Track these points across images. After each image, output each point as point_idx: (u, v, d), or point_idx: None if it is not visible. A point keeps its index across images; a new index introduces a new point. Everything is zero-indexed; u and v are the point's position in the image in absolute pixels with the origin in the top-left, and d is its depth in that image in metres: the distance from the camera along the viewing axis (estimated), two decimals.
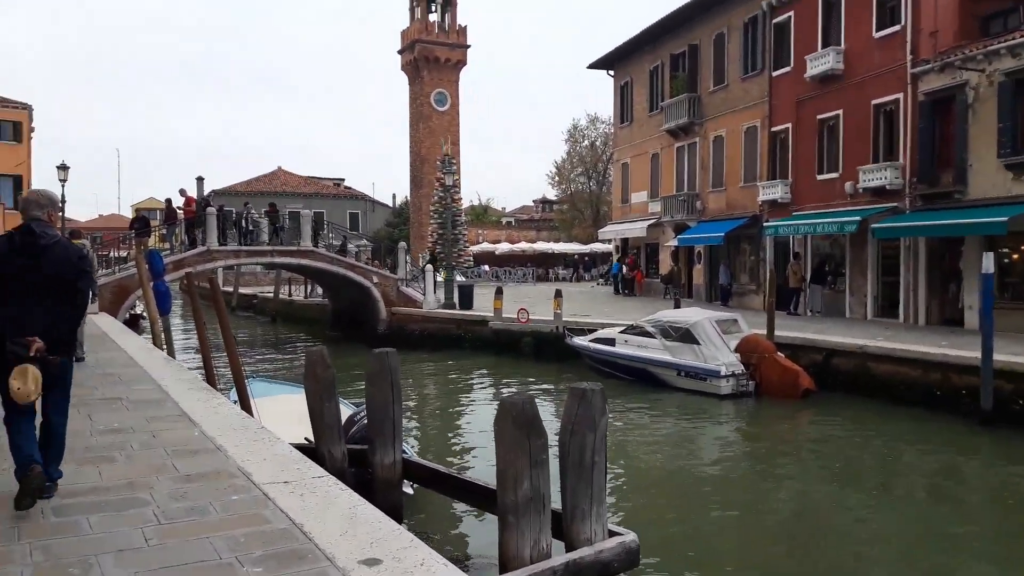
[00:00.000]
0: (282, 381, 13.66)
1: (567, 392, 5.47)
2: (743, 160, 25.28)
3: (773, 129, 23.75)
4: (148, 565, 3.39)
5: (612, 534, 5.26)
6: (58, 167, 27.03)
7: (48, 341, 4.13)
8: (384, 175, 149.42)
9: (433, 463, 7.83)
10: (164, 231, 25.97)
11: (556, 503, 5.37)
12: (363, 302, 26.16)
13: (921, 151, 18.63)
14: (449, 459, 11.23)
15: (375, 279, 25.91)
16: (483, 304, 24.07)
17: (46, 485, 4.28)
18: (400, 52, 52.95)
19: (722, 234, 24.98)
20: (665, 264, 30.21)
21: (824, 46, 21.52)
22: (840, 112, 21.12)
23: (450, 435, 13.42)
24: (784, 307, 20.57)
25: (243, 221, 25.31)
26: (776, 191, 23.13)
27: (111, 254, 24.82)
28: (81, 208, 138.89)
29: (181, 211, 24.89)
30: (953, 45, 18.23)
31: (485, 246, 52.35)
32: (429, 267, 26.93)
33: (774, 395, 14.33)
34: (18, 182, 31.90)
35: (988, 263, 12.41)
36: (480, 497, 6.30)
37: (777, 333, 15.53)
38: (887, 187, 19.18)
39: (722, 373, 14.43)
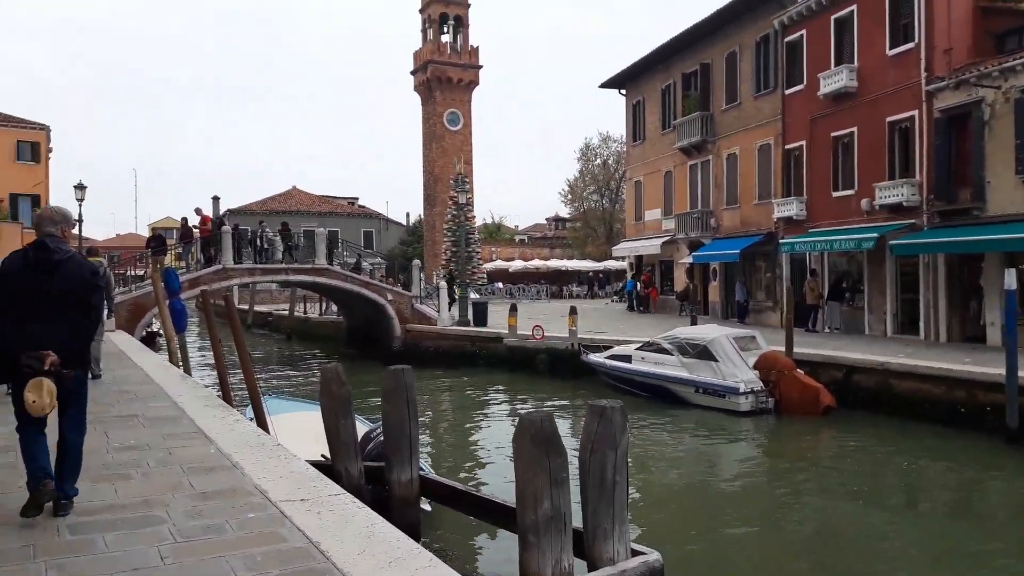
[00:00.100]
0: (298, 398, 13.63)
1: (586, 409, 5.39)
2: (757, 177, 25.19)
3: (787, 147, 23.67)
4: None
5: (635, 553, 5.15)
6: (75, 187, 27.34)
7: (62, 355, 4.14)
8: (398, 194, 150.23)
9: (451, 480, 7.75)
10: (180, 250, 26.15)
11: (577, 521, 5.27)
12: (378, 319, 26.17)
13: (938, 168, 18.49)
14: (465, 475, 11.14)
15: (389, 296, 25.94)
16: (497, 321, 24.02)
17: (62, 503, 4.26)
18: (413, 73, 53.36)
19: (737, 251, 24.85)
20: (680, 281, 30.07)
21: (837, 64, 21.47)
22: (854, 129, 21.03)
23: (466, 451, 13.32)
24: (802, 324, 20.37)
25: (258, 240, 25.45)
26: (791, 208, 23.00)
27: (128, 272, 25.01)
28: (98, 227, 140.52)
29: (197, 230, 25.06)
30: (968, 62, 18.15)
31: (499, 263, 52.35)
32: (443, 283, 26.93)
33: (794, 412, 14.14)
34: (36, 201, 32.26)
35: (1010, 279, 12.27)
36: (499, 515, 6.20)
37: (796, 350, 15.36)
38: (904, 204, 19.03)
39: (741, 390, 14.27)
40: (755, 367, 14.75)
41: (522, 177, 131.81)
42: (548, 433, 4.87)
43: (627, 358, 16.86)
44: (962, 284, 18.48)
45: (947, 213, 18.18)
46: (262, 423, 8.53)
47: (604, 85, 34.25)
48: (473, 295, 29.46)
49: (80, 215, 28.64)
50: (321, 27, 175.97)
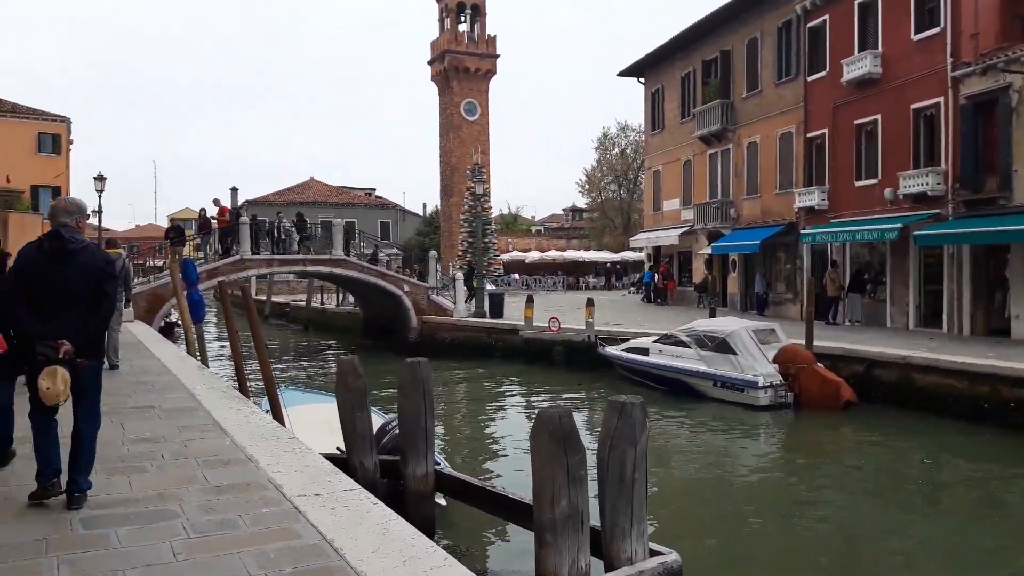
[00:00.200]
0: (314, 390, 13.65)
1: (605, 404, 5.29)
2: (778, 167, 24.87)
3: (809, 135, 23.32)
4: None
5: (653, 553, 5.05)
6: (95, 178, 27.55)
7: (76, 344, 4.19)
8: (415, 184, 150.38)
9: (466, 476, 7.68)
10: (199, 240, 26.29)
11: (595, 518, 5.19)
12: (394, 310, 26.19)
13: (963, 156, 18.12)
14: (480, 468, 11.10)
15: (406, 288, 25.93)
16: (513, 313, 23.94)
17: (76, 496, 4.27)
18: (430, 63, 53.20)
19: (757, 242, 24.56)
20: (698, 272, 29.81)
21: (861, 50, 21.08)
22: (878, 117, 20.67)
23: (481, 444, 13.28)
24: (822, 316, 20.10)
25: (275, 231, 25.52)
26: (813, 198, 22.69)
27: (147, 263, 25.19)
28: (118, 219, 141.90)
29: (215, 220, 25.17)
30: (995, 47, 17.71)
31: (515, 254, 52.23)
32: (459, 275, 26.86)
33: (814, 407, 13.95)
34: (57, 193, 32.48)
35: None
36: (515, 512, 6.12)
37: (816, 343, 15.15)
38: (928, 193, 18.69)
39: (760, 384, 14.10)
40: (774, 360, 14.57)
41: (539, 167, 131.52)
42: (566, 429, 4.78)
43: (644, 351, 16.72)
44: (987, 276, 18.15)
45: (973, 203, 17.83)
46: (278, 415, 8.53)
47: (623, 73, 33.95)
48: (489, 286, 29.40)
49: (100, 206, 28.91)
50: (341, 17, 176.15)
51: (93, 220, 33.05)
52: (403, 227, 58.90)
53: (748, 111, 26.33)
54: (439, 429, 13.52)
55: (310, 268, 26.49)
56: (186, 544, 3.74)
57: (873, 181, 20.85)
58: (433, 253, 28.76)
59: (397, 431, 7.81)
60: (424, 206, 64.81)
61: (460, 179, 48.92)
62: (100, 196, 28.03)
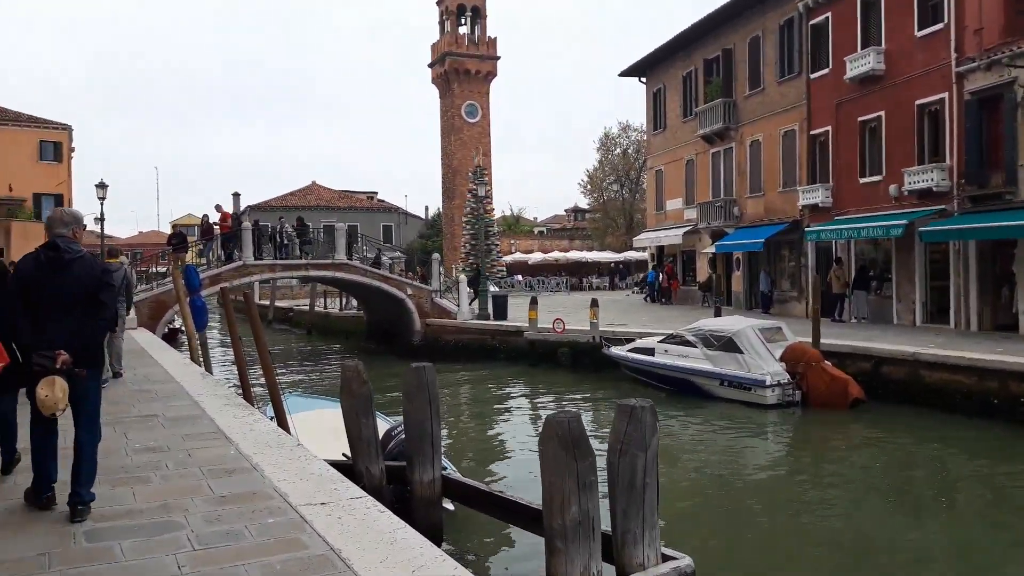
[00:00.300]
0: (318, 395, 13.59)
1: (612, 406, 5.22)
2: (781, 164, 24.77)
3: (812, 132, 23.22)
4: None
5: (665, 558, 4.97)
6: (97, 185, 27.53)
7: (74, 354, 4.19)
8: (416, 187, 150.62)
9: (474, 481, 7.61)
10: (201, 246, 26.25)
11: (605, 523, 5.10)
12: (398, 314, 26.13)
13: (968, 152, 18.02)
14: (487, 471, 11.02)
15: (409, 291, 25.87)
16: (517, 314, 23.86)
17: (79, 508, 4.23)
18: (431, 65, 53.17)
19: (762, 240, 24.46)
20: (702, 271, 29.70)
21: (864, 47, 20.98)
22: (882, 113, 20.56)
23: (487, 447, 13.21)
24: (827, 314, 19.98)
25: (278, 235, 25.47)
26: (817, 195, 22.58)
27: (150, 269, 25.16)
28: (121, 225, 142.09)
29: (217, 226, 25.13)
30: (999, 42, 17.60)
31: (518, 256, 52.16)
32: (463, 277, 26.79)
33: (822, 405, 13.84)
34: (59, 201, 32.53)
35: None
36: (523, 517, 6.04)
37: (823, 341, 15.05)
38: (934, 189, 18.58)
39: (767, 382, 14.00)
40: (781, 359, 14.47)
41: (541, 168, 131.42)
42: (575, 435, 4.70)
43: (650, 351, 16.63)
44: (994, 271, 18.04)
45: (978, 198, 17.72)
46: (282, 422, 8.46)
47: (624, 73, 33.87)
48: (492, 288, 29.31)
49: (102, 213, 28.87)
50: (342, 21, 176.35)
51: (96, 228, 33.09)
52: (405, 230, 58.87)
53: (751, 109, 26.23)
54: (445, 432, 13.46)
55: (313, 273, 26.44)
56: (191, 557, 3.67)
57: (877, 178, 20.75)
58: (436, 256, 28.70)
59: (403, 436, 7.74)
60: (426, 209, 64.85)
61: (462, 181, 48.88)
62: (102, 203, 28.02)
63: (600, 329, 19.63)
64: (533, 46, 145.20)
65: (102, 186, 27.52)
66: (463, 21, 51.90)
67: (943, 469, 10.85)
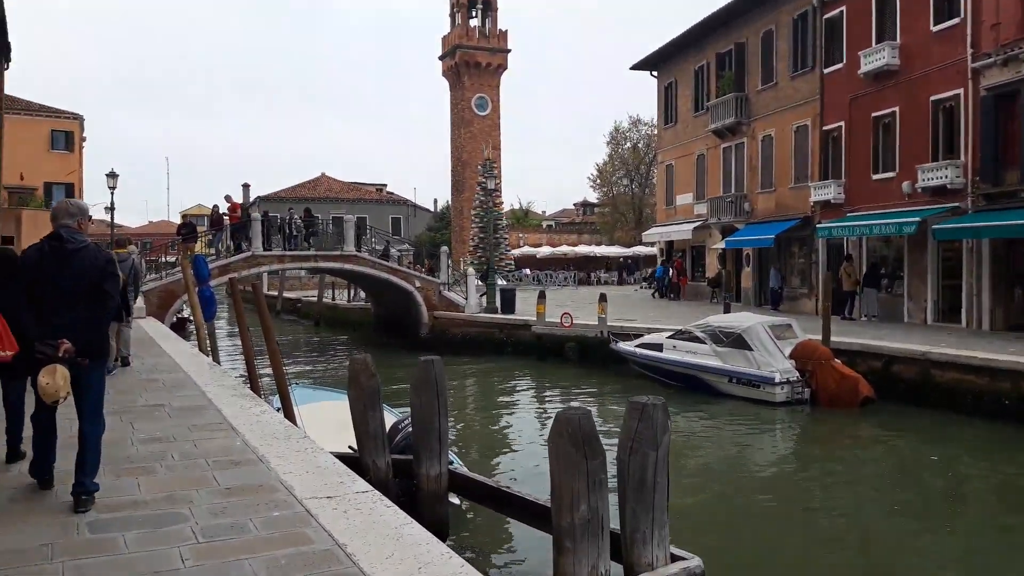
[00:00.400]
0: (326, 387, 13.58)
1: (620, 401, 5.15)
2: (793, 160, 24.58)
3: (825, 128, 23.02)
4: None
5: (675, 558, 4.90)
6: (107, 175, 27.61)
7: (77, 343, 4.18)
8: (426, 180, 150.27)
9: (481, 476, 7.56)
10: (211, 237, 26.28)
11: (614, 521, 5.04)
12: (406, 306, 26.12)
13: (984, 148, 17.81)
14: (494, 466, 10.99)
15: (417, 283, 25.85)
16: (525, 308, 23.81)
17: (83, 499, 4.21)
18: (441, 58, 53.00)
19: (772, 236, 24.30)
20: (711, 267, 29.56)
21: (879, 41, 20.76)
22: (896, 109, 20.35)
23: (494, 441, 13.17)
24: (837, 311, 19.83)
25: (287, 226, 25.48)
26: (829, 191, 22.40)
27: (160, 259, 25.22)
28: (131, 215, 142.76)
29: (227, 217, 25.14)
30: (1016, 37, 17.36)
31: (526, 250, 52.06)
32: (471, 270, 26.74)
33: (831, 403, 13.74)
34: (70, 190, 32.66)
35: None
36: (531, 514, 5.98)
37: (833, 339, 14.93)
38: (948, 186, 18.39)
39: (776, 380, 13.90)
40: (791, 356, 14.36)
41: (550, 161, 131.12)
42: (586, 432, 4.63)
43: (658, 346, 16.55)
44: (1007, 270, 17.85)
45: (993, 196, 17.53)
46: (289, 413, 8.45)
47: (635, 67, 33.66)
48: (501, 282, 29.26)
49: (112, 203, 28.94)
50: (353, 13, 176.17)
51: (106, 217, 33.20)
52: (414, 223, 58.85)
53: (763, 104, 26.03)
54: (452, 426, 13.43)
55: (322, 264, 26.45)
56: (195, 550, 3.64)
57: (891, 174, 20.55)
58: (445, 249, 28.66)
59: (410, 429, 7.70)
60: (435, 201, 64.78)
61: (471, 174, 48.79)
62: (112, 193, 28.10)
63: (608, 324, 19.56)
64: (544, 40, 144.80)
65: (113, 175, 27.60)
66: (474, 14, 51.69)
67: (953, 470, 10.73)
